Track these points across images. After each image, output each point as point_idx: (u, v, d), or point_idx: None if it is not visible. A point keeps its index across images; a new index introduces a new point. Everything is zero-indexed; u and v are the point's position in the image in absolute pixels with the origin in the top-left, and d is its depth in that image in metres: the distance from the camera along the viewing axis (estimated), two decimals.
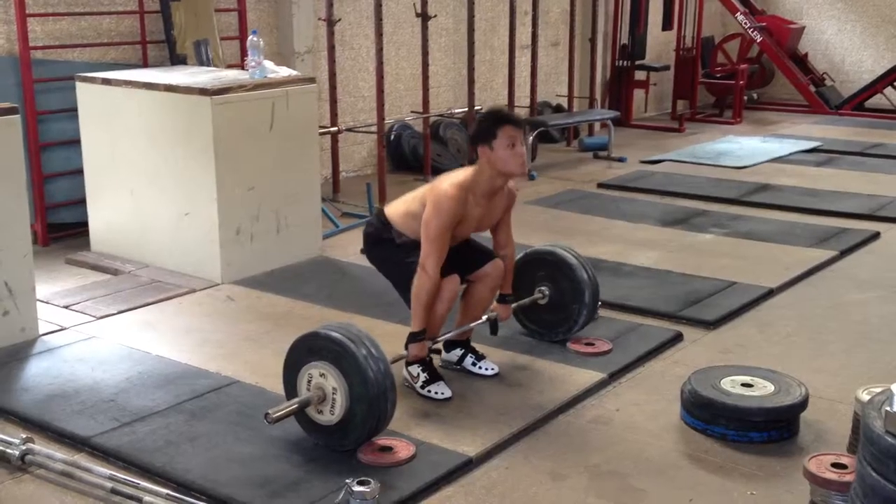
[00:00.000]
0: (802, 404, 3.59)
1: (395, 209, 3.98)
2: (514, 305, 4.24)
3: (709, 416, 3.56)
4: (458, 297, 3.96)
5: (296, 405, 3.35)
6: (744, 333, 4.66)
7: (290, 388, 3.44)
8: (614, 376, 4.10)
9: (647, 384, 4.08)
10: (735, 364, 4.05)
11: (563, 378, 4.06)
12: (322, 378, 3.33)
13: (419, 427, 3.61)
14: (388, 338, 3.98)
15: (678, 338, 4.54)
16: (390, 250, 3.95)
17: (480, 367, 4.10)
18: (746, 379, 3.71)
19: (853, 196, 7.37)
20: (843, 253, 5.94)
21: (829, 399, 3.85)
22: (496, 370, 4.10)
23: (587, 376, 4.06)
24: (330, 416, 3.34)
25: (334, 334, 3.33)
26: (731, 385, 3.66)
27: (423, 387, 3.88)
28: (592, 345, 4.36)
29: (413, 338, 3.82)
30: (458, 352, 4.14)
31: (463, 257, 3.93)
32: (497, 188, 3.85)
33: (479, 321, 4.10)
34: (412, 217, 3.86)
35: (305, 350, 3.40)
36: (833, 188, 7.66)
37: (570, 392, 3.92)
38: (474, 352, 4.15)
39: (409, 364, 3.93)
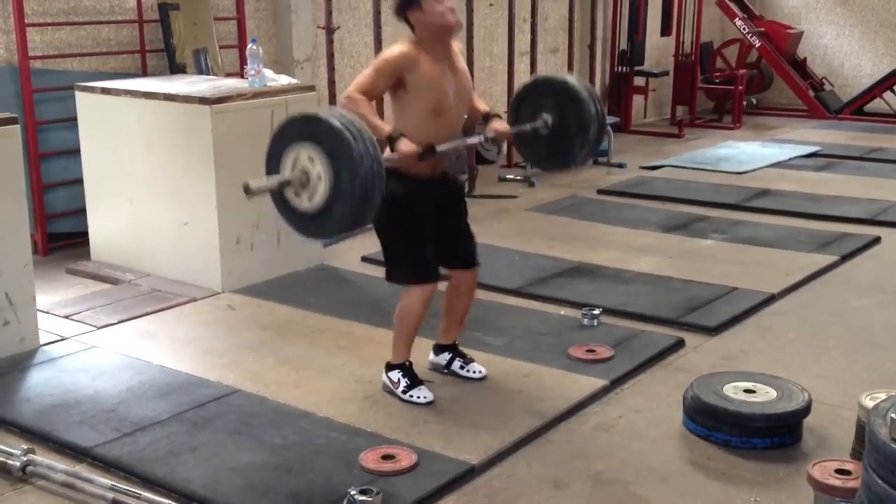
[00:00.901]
0: (805, 410, 3.58)
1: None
2: (514, 131, 4.02)
3: (711, 422, 3.55)
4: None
5: (276, 183, 3.18)
6: (745, 339, 4.66)
7: (274, 165, 3.22)
8: (616, 383, 4.09)
9: (650, 391, 4.07)
10: (737, 370, 4.04)
11: (564, 385, 4.05)
12: (309, 162, 3.12)
13: (421, 435, 3.60)
14: (389, 346, 3.97)
15: (680, 344, 4.53)
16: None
17: (469, 371, 4.11)
18: (749, 385, 3.70)
19: (854, 201, 7.37)
20: (844, 258, 5.94)
21: (831, 405, 3.84)
22: (484, 373, 4.11)
23: (589, 383, 4.05)
24: (308, 203, 3.15)
25: (335, 122, 3.11)
26: (733, 391, 3.66)
27: (404, 392, 3.89)
28: (594, 351, 4.35)
29: (392, 138, 3.56)
30: (446, 355, 4.15)
31: (452, 245, 3.87)
32: (444, 53, 3.72)
33: (474, 139, 3.95)
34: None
35: (299, 130, 3.19)
36: (833, 193, 7.65)
37: (572, 399, 3.91)
38: (462, 355, 4.15)
39: (389, 370, 3.93)
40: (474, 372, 4.11)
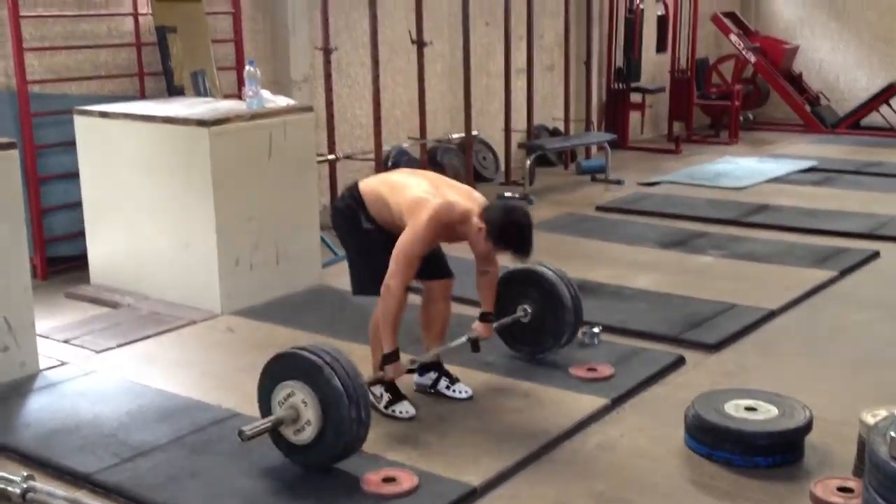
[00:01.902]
0: (807, 427, 3.57)
1: (373, 190, 3.95)
2: (495, 324, 4.24)
3: (713, 440, 3.55)
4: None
5: (269, 424, 3.37)
6: (746, 356, 4.65)
7: (265, 406, 3.45)
8: (617, 401, 4.08)
9: (651, 409, 4.06)
10: (738, 387, 4.03)
11: (565, 404, 4.04)
12: (302, 404, 3.33)
13: (422, 457, 3.59)
14: None
15: (680, 361, 4.53)
16: (356, 237, 3.98)
17: (455, 391, 4.12)
18: (750, 402, 3.70)
19: (852, 215, 7.38)
20: (843, 273, 5.94)
21: (833, 421, 3.82)
22: (470, 393, 4.12)
23: (590, 402, 4.05)
24: (302, 435, 3.36)
25: (309, 355, 3.34)
26: (734, 409, 3.65)
27: (386, 407, 3.92)
28: (594, 370, 4.34)
29: (387, 359, 3.80)
30: (431, 375, 4.15)
31: (424, 259, 3.88)
32: (468, 240, 3.87)
33: (460, 340, 4.12)
34: (386, 209, 3.87)
35: (281, 368, 3.41)
36: (831, 207, 7.67)
37: (573, 418, 3.90)
38: (448, 375, 4.16)
39: (372, 384, 3.92)
40: (460, 392, 4.11)
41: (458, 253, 4.14)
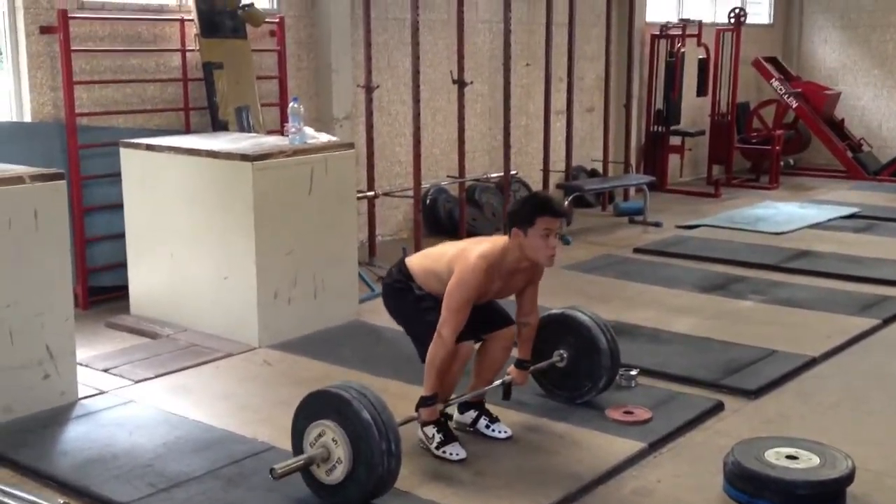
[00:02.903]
0: (849, 477, 3.50)
1: (419, 264, 4.01)
2: (532, 368, 4.24)
3: (753, 489, 3.49)
4: (472, 356, 3.98)
5: (301, 462, 3.39)
6: (786, 403, 4.58)
7: (297, 445, 3.48)
8: (654, 446, 4.03)
9: (689, 455, 4.00)
10: (778, 435, 3.97)
11: (601, 447, 4.00)
12: (333, 443, 3.35)
13: (455, 496, 3.57)
14: None
15: (719, 407, 4.47)
16: (410, 304, 3.99)
17: (494, 430, 4.10)
18: (791, 451, 3.63)
19: (894, 263, 7.27)
20: (886, 321, 5.84)
21: (875, 471, 3.75)
22: (510, 433, 4.09)
23: (627, 446, 4.00)
24: (333, 475, 3.36)
25: (338, 391, 3.36)
26: (775, 457, 3.59)
27: (437, 448, 3.89)
28: (631, 413, 4.30)
29: (424, 402, 3.83)
30: (471, 413, 4.14)
31: (481, 315, 3.92)
32: (522, 268, 3.88)
33: (493, 384, 4.12)
34: (435, 277, 3.90)
35: (311, 408, 3.44)
36: (874, 255, 7.57)
37: (609, 462, 3.86)
38: (488, 414, 4.14)
39: (424, 425, 3.94)
40: (500, 432, 4.09)
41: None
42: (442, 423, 3.94)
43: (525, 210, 3.76)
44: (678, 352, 5.23)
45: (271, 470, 3.32)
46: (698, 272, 7.11)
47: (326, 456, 3.36)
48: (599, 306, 6.06)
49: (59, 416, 4.32)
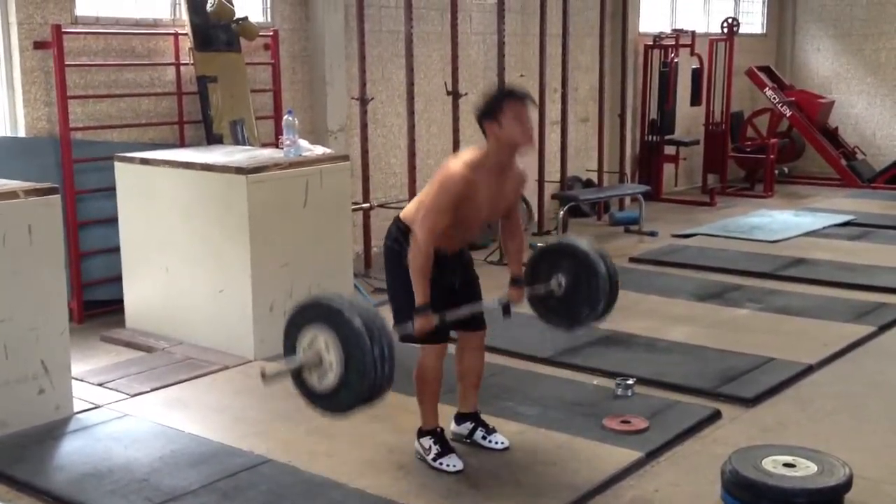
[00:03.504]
0: (846, 485, 3.50)
1: (409, 209, 3.93)
2: (529, 294, 4.15)
3: (751, 497, 3.48)
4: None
5: (291, 367, 3.31)
6: (783, 411, 4.58)
7: (289, 349, 3.37)
8: (652, 455, 4.03)
9: (686, 463, 4.00)
10: (775, 443, 3.96)
11: (598, 457, 3.99)
12: (325, 348, 3.24)
13: None
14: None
15: (716, 416, 4.46)
16: (399, 268, 3.86)
17: (491, 441, 4.08)
18: (788, 459, 3.63)
19: (890, 270, 7.28)
20: (882, 328, 5.85)
21: (873, 479, 3.75)
22: (507, 444, 4.08)
23: (624, 455, 3.99)
24: (317, 383, 3.28)
25: (357, 322, 3.21)
26: (772, 465, 3.58)
27: (434, 459, 3.88)
28: (629, 422, 4.29)
29: (417, 311, 3.70)
30: (468, 425, 4.13)
31: (458, 301, 3.87)
32: (505, 164, 3.83)
33: (492, 305, 4.02)
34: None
35: (324, 314, 3.30)
36: (869, 262, 7.58)
37: (606, 472, 3.85)
38: (484, 425, 4.13)
39: (420, 436, 3.93)
40: (497, 443, 4.08)
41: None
42: (438, 434, 3.94)
43: (492, 101, 3.76)
44: (675, 361, 5.23)
45: (262, 373, 3.26)
46: (694, 281, 7.11)
47: (318, 361, 3.25)
48: None
49: (55, 430, 4.30)
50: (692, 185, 11.77)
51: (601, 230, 9.31)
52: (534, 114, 9.33)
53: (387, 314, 3.91)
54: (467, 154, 3.82)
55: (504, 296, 4.08)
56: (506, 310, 4.06)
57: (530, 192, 9.20)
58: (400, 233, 3.91)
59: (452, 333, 4.01)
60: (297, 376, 3.34)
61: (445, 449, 3.91)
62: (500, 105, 3.73)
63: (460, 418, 4.15)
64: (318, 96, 7.49)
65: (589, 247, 4.18)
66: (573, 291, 4.14)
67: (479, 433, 4.10)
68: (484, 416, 4.17)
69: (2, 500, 3.67)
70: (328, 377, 3.24)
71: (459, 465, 3.86)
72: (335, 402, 3.28)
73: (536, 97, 8.83)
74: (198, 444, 4.15)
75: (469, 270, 4.07)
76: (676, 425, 4.30)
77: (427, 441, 3.91)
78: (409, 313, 3.77)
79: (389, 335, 3.26)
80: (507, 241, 4.17)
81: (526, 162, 9.76)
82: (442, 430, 3.98)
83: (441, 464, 3.86)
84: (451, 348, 4.08)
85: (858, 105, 12.91)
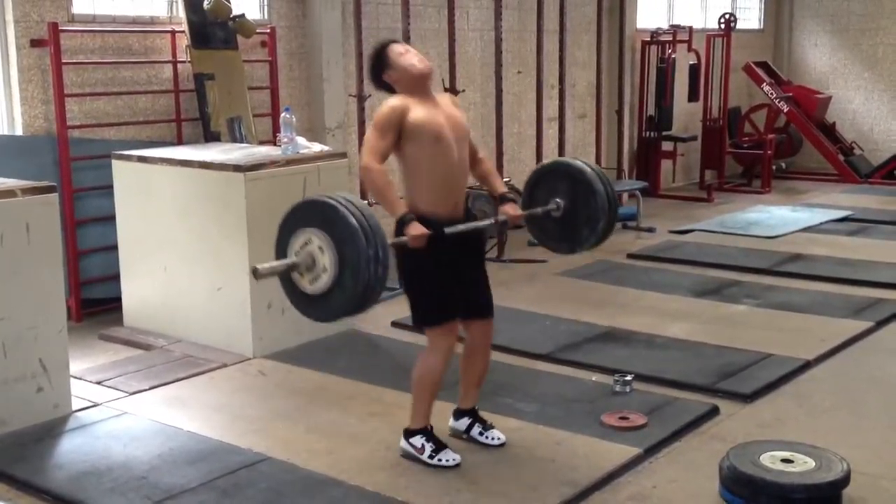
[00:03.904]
0: (844, 480, 3.51)
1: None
2: (527, 213, 4.10)
3: (749, 493, 3.49)
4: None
5: (286, 264, 3.28)
6: (781, 407, 4.59)
7: (282, 250, 3.36)
8: (650, 451, 4.03)
9: (685, 460, 4.00)
10: (773, 439, 3.97)
11: (597, 453, 4.00)
12: (319, 251, 3.22)
13: None
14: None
15: (714, 412, 4.47)
16: (408, 262, 3.80)
17: (488, 437, 4.09)
18: (786, 454, 3.64)
19: (888, 266, 7.29)
20: (880, 324, 5.85)
21: (871, 475, 3.76)
22: (503, 440, 4.09)
23: (622, 451, 4.00)
24: (310, 286, 3.25)
25: (352, 220, 3.18)
26: (770, 461, 3.59)
27: (431, 457, 3.88)
28: (627, 419, 4.30)
29: (402, 221, 3.62)
30: (465, 420, 4.14)
31: (467, 293, 3.88)
32: (428, 98, 3.83)
33: (487, 222, 3.97)
34: (409, 185, 3.82)
35: (318, 215, 3.27)
36: (867, 258, 7.58)
37: (605, 468, 3.85)
38: (482, 421, 4.14)
39: (409, 436, 3.92)
40: (493, 438, 4.09)
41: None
42: (429, 432, 3.94)
43: (373, 60, 3.90)
44: (673, 357, 5.23)
45: (253, 269, 3.23)
46: (692, 277, 7.12)
47: (311, 264, 3.22)
48: (594, 312, 6.09)
49: (53, 429, 4.30)
50: (690, 181, 11.77)
51: None
52: (530, 110, 9.31)
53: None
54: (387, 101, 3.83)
55: (501, 214, 3.98)
56: (502, 227, 3.96)
57: None
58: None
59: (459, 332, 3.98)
60: (288, 277, 3.29)
61: (439, 445, 3.91)
62: (381, 56, 3.84)
63: (458, 414, 4.16)
64: (316, 93, 7.48)
65: (585, 166, 4.11)
66: (572, 212, 4.06)
67: (476, 429, 4.11)
68: (482, 413, 4.17)
69: (1, 498, 3.67)
70: (321, 279, 3.20)
71: (457, 459, 3.87)
72: (327, 304, 3.25)
73: (534, 93, 8.86)
74: (197, 442, 4.15)
75: (478, 266, 4.02)
76: (675, 421, 4.30)
77: (419, 440, 3.91)
78: (425, 302, 3.79)
79: (384, 237, 3.21)
80: (475, 168, 4.01)
81: (525, 158, 9.80)
82: (431, 427, 3.97)
83: (439, 460, 3.86)
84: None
85: (856, 100, 12.91)
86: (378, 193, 3.70)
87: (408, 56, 3.84)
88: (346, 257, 3.16)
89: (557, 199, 4.10)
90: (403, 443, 3.95)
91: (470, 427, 4.12)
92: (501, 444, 4.07)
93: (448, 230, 3.70)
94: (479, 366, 4.09)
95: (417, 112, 3.75)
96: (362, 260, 3.14)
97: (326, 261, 3.19)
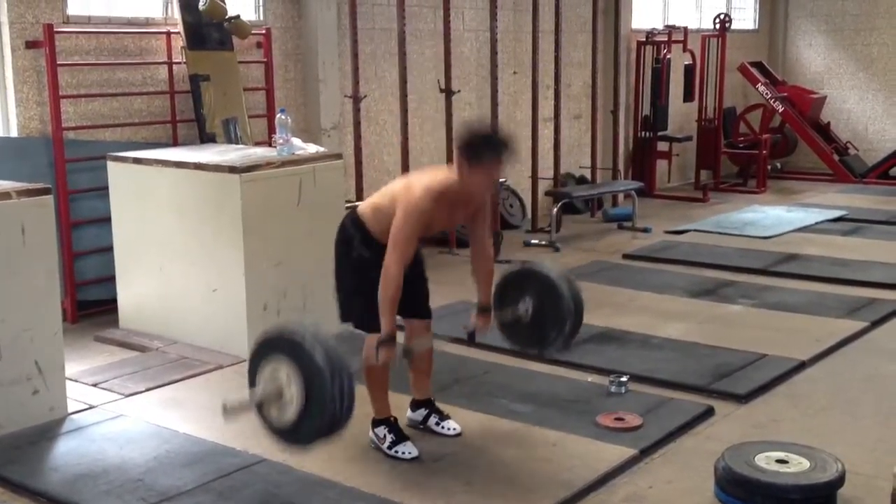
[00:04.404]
0: (839, 481, 3.52)
1: (367, 207, 4.01)
2: (498, 320, 4.19)
3: (744, 493, 3.49)
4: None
5: (251, 400, 3.35)
6: (776, 407, 4.59)
7: (252, 377, 3.41)
8: (646, 452, 4.04)
9: (680, 460, 4.01)
10: (768, 439, 3.98)
11: (592, 454, 4.00)
12: (286, 381, 3.28)
13: None
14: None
15: (709, 412, 4.47)
16: (347, 259, 3.98)
17: (444, 427, 4.16)
18: (781, 455, 3.65)
19: (882, 266, 7.31)
20: (875, 324, 5.87)
21: (866, 475, 3.76)
22: (459, 430, 4.15)
23: (618, 452, 4.00)
24: (277, 416, 3.32)
25: (318, 358, 3.26)
26: (765, 461, 3.60)
27: (389, 447, 3.95)
28: (622, 419, 4.30)
29: (382, 342, 3.75)
30: (422, 412, 4.20)
31: (409, 294, 3.89)
32: (464, 200, 3.87)
33: (465, 330, 4.12)
34: (381, 212, 3.89)
35: (287, 347, 3.35)
36: (861, 258, 7.60)
37: (600, 469, 3.86)
38: (438, 411, 4.20)
39: (375, 426, 4.00)
40: (449, 429, 4.16)
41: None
42: (392, 423, 4.01)
43: (474, 145, 3.75)
44: (668, 357, 5.24)
45: (223, 408, 3.31)
46: (687, 277, 7.13)
47: (279, 395, 3.29)
48: (589, 313, 6.00)
49: (49, 431, 4.30)
50: (685, 182, 11.79)
51: (595, 227, 9.32)
52: (526, 110, 9.32)
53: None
54: (432, 178, 3.83)
55: (470, 323, 4.14)
56: (471, 337, 4.17)
57: (524, 189, 9.24)
58: (354, 227, 3.97)
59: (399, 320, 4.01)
60: (259, 410, 3.39)
61: (400, 437, 3.98)
62: (479, 155, 3.73)
63: (415, 405, 4.23)
64: (311, 94, 7.48)
65: (551, 270, 4.26)
66: (540, 316, 4.21)
67: (432, 419, 4.18)
68: (478, 414, 4.19)
69: None
70: (288, 411, 3.29)
71: (415, 452, 3.93)
72: (295, 436, 3.34)
73: (529, 94, 8.87)
74: (192, 444, 4.15)
75: (418, 267, 4.07)
76: (670, 422, 4.31)
77: (381, 430, 3.99)
78: (357, 309, 3.90)
79: (349, 369, 3.32)
80: (476, 265, 4.13)
81: (520, 158, 9.77)
82: (395, 419, 4.04)
83: (396, 451, 3.93)
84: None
85: (850, 100, 12.94)
86: (384, 302, 3.73)
87: (485, 179, 3.78)
88: (311, 392, 3.25)
89: (525, 304, 4.23)
90: (371, 432, 4.03)
91: (427, 417, 4.19)
92: (458, 435, 4.13)
93: (416, 347, 3.97)
94: (424, 352, 4.15)
95: (441, 211, 3.79)
96: (328, 397, 3.23)
97: (293, 392, 3.28)
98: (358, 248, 3.94)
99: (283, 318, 5.42)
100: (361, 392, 3.43)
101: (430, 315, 4.17)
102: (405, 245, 3.72)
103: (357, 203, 4.21)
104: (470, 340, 4.14)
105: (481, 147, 3.74)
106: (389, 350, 3.76)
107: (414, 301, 4.05)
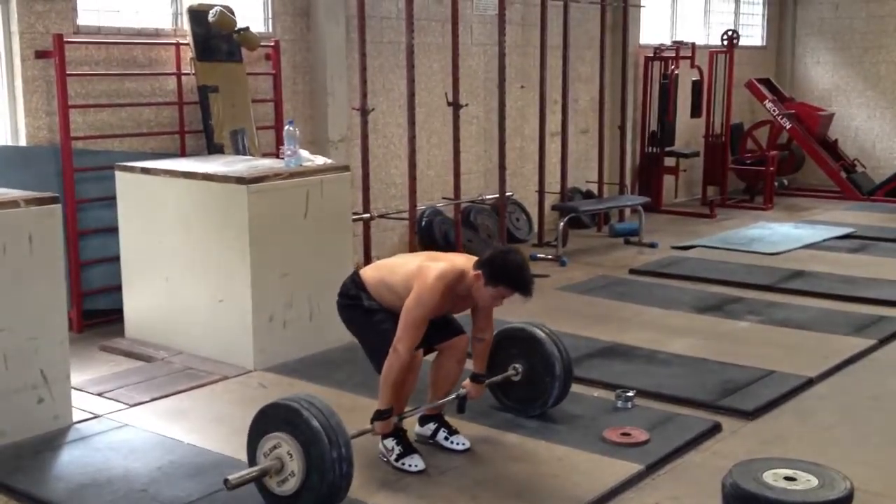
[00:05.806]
0: (847, 499, 3.47)
1: (372, 275, 4.10)
2: (487, 382, 4.31)
3: None
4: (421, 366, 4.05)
5: (255, 473, 3.44)
6: (784, 424, 4.57)
7: (251, 456, 3.53)
8: (652, 468, 4.02)
9: (687, 476, 3.99)
10: (776, 456, 3.94)
11: (599, 469, 3.98)
12: (288, 456, 3.41)
13: None
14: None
15: (717, 428, 4.45)
16: (361, 315, 4.07)
17: (453, 442, 4.16)
18: (789, 472, 3.60)
19: (890, 283, 7.28)
20: (883, 341, 5.84)
21: (874, 493, 3.74)
22: (467, 445, 4.16)
23: (624, 468, 3.98)
24: (278, 488, 3.43)
25: (315, 423, 3.39)
26: (773, 478, 3.56)
27: (396, 460, 3.96)
28: (629, 435, 4.28)
29: (379, 415, 3.89)
30: (431, 426, 4.21)
31: (433, 325, 3.96)
32: (470, 296, 3.96)
33: (450, 397, 4.19)
34: (388, 289, 3.99)
35: (268, 419, 3.49)
36: (869, 275, 7.58)
37: (606, 484, 3.84)
38: (447, 426, 4.21)
39: (383, 438, 4.00)
40: (458, 444, 4.15)
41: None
42: (401, 435, 4.01)
43: (497, 269, 3.83)
44: (675, 373, 5.22)
45: (225, 480, 3.36)
46: (694, 293, 7.11)
47: (280, 467, 3.42)
48: (596, 328, 6.08)
49: (54, 440, 4.29)
50: (692, 197, 11.78)
51: (601, 241, 9.31)
52: (533, 124, 9.36)
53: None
54: (445, 266, 3.89)
55: (462, 390, 4.21)
56: (461, 406, 4.21)
57: (531, 202, 9.24)
58: (356, 287, 4.09)
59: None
60: (260, 481, 3.48)
61: (408, 449, 3.98)
62: (502, 281, 3.83)
63: (424, 419, 4.22)
64: (319, 107, 7.49)
65: (543, 334, 4.41)
66: (531, 372, 4.39)
67: (441, 434, 4.18)
68: (483, 427, 4.18)
69: None
70: (289, 482, 3.41)
71: (421, 465, 3.93)
72: (302, 498, 3.42)
73: (536, 108, 8.88)
74: (197, 455, 4.14)
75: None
76: (677, 438, 4.29)
77: (390, 442, 3.99)
78: (378, 348, 3.94)
79: (346, 434, 3.42)
80: (474, 336, 4.19)
81: (527, 173, 9.79)
82: (405, 431, 4.05)
83: (403, 464, 3.94)
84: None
85: (858, 117, 12.93)
86: (386, 381, 3.83)
87: (495, 299, 3.90)
88: (312, 460, 3.37)
89: (517, 365, 4.42)
90: (379, 444, 4.03)
91: (435, 432, 4.19)
92: (466, 450, 4.13)
93: (408, 414, 4.03)
94: (451, 376, 4.18)
95: (445, 299, 3.87)
96: (327, 462, 3.35)
97: (295, 466, 3.40)
98: (367, 300, 4.05)
99: (290, 330, 5.42)
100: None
101: (462, 331, 4.17)
102: (415, 328, 3.80)
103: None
104: (459, 409, 4.22)
105: (508, 277, 3.84)
106: (385, 424, 3.89)
107: (445, 327, 4.11)
